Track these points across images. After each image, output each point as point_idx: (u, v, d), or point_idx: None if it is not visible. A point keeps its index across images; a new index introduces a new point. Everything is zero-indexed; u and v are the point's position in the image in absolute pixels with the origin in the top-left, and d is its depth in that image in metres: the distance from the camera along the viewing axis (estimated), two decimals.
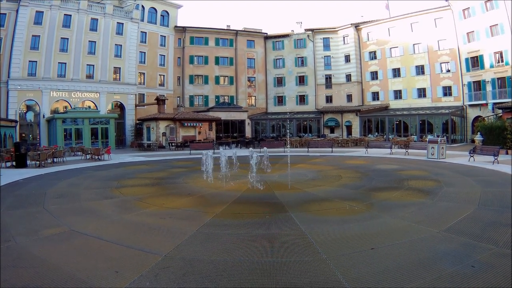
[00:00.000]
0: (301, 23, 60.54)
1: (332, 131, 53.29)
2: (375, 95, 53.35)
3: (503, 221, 8.72)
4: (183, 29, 55.18)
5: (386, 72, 51.53)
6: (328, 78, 56.57)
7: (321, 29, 57.50)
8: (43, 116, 41.39)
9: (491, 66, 40.28)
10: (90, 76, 44.68)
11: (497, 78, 39.83)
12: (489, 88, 40.58)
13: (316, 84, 57.00)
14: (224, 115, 50.51)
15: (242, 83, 58.75)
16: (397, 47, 50.14)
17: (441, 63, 46.05)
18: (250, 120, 56.32)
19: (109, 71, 46.10)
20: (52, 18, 41.50)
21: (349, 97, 54.77)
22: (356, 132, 50.63)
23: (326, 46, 56.65)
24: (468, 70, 43.01)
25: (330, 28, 56.68)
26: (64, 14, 42.48)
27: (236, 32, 58.46)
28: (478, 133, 30.01)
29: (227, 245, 7.50)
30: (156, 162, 26.33)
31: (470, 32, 42.15)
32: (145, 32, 50.96)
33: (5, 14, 39.29)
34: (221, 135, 51.22)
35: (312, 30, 57.41)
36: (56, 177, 18.26)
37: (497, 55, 39.72)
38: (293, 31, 59.72)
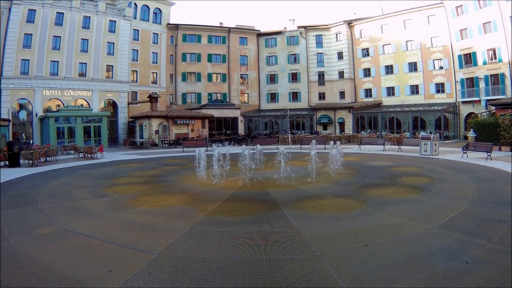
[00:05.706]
0: (294, 20, 60.16)
1: (325, 128, 53.41)
2: (368, 92, 53.42)
3: (497, 217, 8.77)
4: (176, 27, 54.90)
5: (379, 69, 51.55)
6: (321, 75, 56.50)
7: (313, 26, 57.41)
8: (36, 115, 41.04)
9: (484, 63, 40.40)
10: (82, 74, 44.30)
11: (490, 75, 39.94)
12: (482, 85, 40.71)
13: (309, 81, 56.95)
14: (217, 113, 50.38)
15: (235, 80, 58.59)
16: (390, 44, 50.15)
17: (433, 60, 46.13)
18: (243, 117, 56.27)
19: (102, 69, 45.73)
20: (44, 16, 41.04)
21: (342, 94, 54.75)
22: (349, 129, 50.76)
23: (319, 43, 56.52)
24: (461, 67, 43.14)
25: (323, 25, 56.58)
26: (57, 12, 41.97)
27: (229, 30, 58.18)
28: (471, 129, 30.09)
29: (220, 243, 7.48)
30: (149, 160, 26.22)
31: (463, 29, 42.21)
32: (138, 30, 50.55)
33: None
34: (214, 132, 51.18)
35: (304, 27, 57.28)
36: (48, 176, 18.14)
37: (490, 52, 39.84)
38: (285, 28, 59.54)
